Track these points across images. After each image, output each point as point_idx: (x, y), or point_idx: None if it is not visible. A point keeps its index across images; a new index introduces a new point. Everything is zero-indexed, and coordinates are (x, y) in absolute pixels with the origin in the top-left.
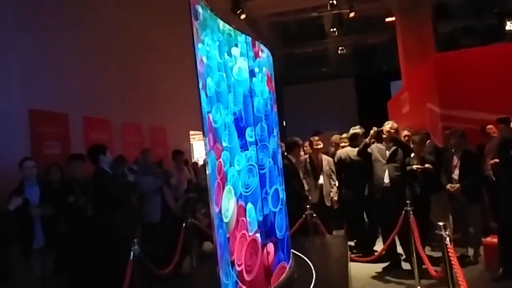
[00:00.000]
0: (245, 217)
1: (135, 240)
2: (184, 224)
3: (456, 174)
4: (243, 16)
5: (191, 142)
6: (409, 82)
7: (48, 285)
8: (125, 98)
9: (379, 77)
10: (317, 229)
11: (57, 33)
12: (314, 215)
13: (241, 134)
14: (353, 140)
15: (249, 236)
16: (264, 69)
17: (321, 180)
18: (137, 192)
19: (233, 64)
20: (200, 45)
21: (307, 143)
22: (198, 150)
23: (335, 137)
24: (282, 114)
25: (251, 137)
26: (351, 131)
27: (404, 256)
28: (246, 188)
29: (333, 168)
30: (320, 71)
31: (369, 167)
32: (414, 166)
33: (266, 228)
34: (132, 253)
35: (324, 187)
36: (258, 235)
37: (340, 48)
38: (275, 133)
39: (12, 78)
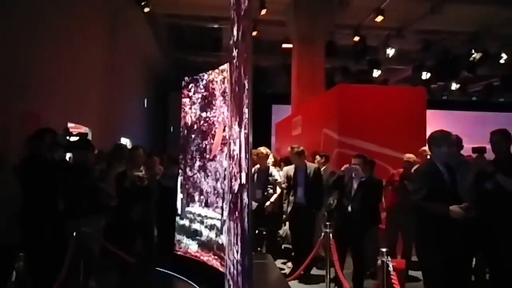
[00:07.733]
0: None
1: (21, 254)
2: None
3: None
4: (146, 10)
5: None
6: (304, 107)
7: None
8: None
9: (262, 98)
10: None
11: None
12: None
13: None
14: None
15: None
16: None
17: None
18: None
19: None
20: None
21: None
22: None
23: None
24: (167, 119)
25: None
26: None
27: None
28: None
29: None
30: None
31: None
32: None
33: None
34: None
35: None
36: None
37: None
38: None
39: None
